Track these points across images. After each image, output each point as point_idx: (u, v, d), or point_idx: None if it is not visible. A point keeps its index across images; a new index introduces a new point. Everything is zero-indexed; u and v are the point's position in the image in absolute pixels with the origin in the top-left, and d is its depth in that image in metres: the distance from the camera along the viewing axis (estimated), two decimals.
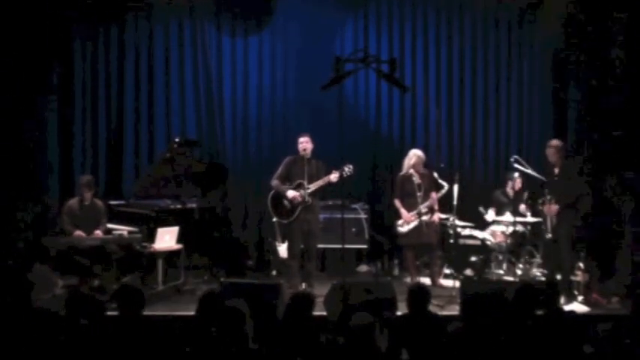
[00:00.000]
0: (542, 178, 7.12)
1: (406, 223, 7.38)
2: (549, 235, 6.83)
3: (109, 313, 4.37)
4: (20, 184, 7.86)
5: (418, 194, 7.33)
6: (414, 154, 7.49)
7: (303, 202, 6.93)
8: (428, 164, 7.62)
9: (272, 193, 7.13)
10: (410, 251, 7.49)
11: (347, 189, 7.62)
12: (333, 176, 6.84)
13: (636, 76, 7.86)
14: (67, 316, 4.15)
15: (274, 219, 7.41)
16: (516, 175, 7.43)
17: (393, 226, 7.68)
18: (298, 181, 6.97)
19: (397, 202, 7.49)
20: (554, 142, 6.89)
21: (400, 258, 8.05)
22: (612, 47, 8.02)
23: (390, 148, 8.66)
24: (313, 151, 7.01)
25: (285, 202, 7.03)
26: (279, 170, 7.10)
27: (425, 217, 7.32)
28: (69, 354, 3.87)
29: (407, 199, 7.41)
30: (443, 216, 7.55)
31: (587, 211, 6.84)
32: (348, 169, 6.86)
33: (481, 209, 7.82)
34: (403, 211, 7.40)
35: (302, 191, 6.92)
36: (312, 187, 6.92)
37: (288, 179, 7.04)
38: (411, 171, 7.41)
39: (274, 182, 7.08)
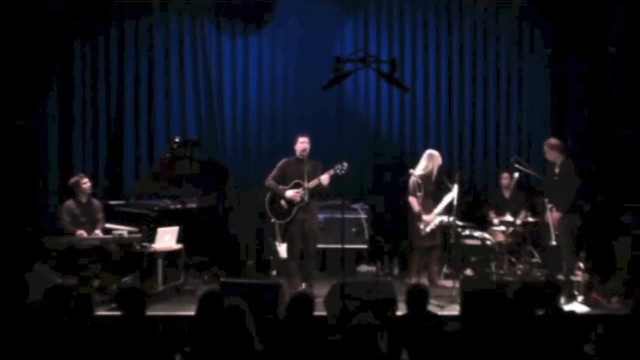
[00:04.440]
0: (542, 177, 7.13)
1: (427, 224, 7.32)
2: (554, 243, 6.82)
3: (110, 313, 4.36)
4: (20, 184, 7.87)
5: (426, 195, 7.30)
6: (439, 156, 7.46)
7: (301, 201, 6.93)
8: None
9: (268, 195, 7.12)
10: (419, 253, 7.45)
11: (348, 189, 7.63)
12: (324, 177, 6.82)
13: (636, 74, 7.88)
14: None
15: (272, 220, 7.40)
16: (516, 175, 7.43)
17: (392, 226, 7.68)
18: (296, 181, 6.97)
19: (413, 201, 7.34)
20: (553, 141, 6.91)
21: (400, 258, 8.04)
22: (610, 44, 8.04)
23: (390, 148, 8.65)
24: (311, 151, 7.00)
25: (282, 203, 7.02)
26: (274, 172, 7.08)
27: (444, 218, 7.24)
28: (64, 352, 3.87)
29: (424, 200, 7.30)
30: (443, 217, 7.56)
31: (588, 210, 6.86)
32: (341, 167, 6.82)
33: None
34: (423, 212, 7.28)
35: (301, 190, 6.93)
36: (309, 186, 6.91)
37: (283, 180, 7.04)
38: (429, 171, 7.35)
39: (270, 183, 7.07)
